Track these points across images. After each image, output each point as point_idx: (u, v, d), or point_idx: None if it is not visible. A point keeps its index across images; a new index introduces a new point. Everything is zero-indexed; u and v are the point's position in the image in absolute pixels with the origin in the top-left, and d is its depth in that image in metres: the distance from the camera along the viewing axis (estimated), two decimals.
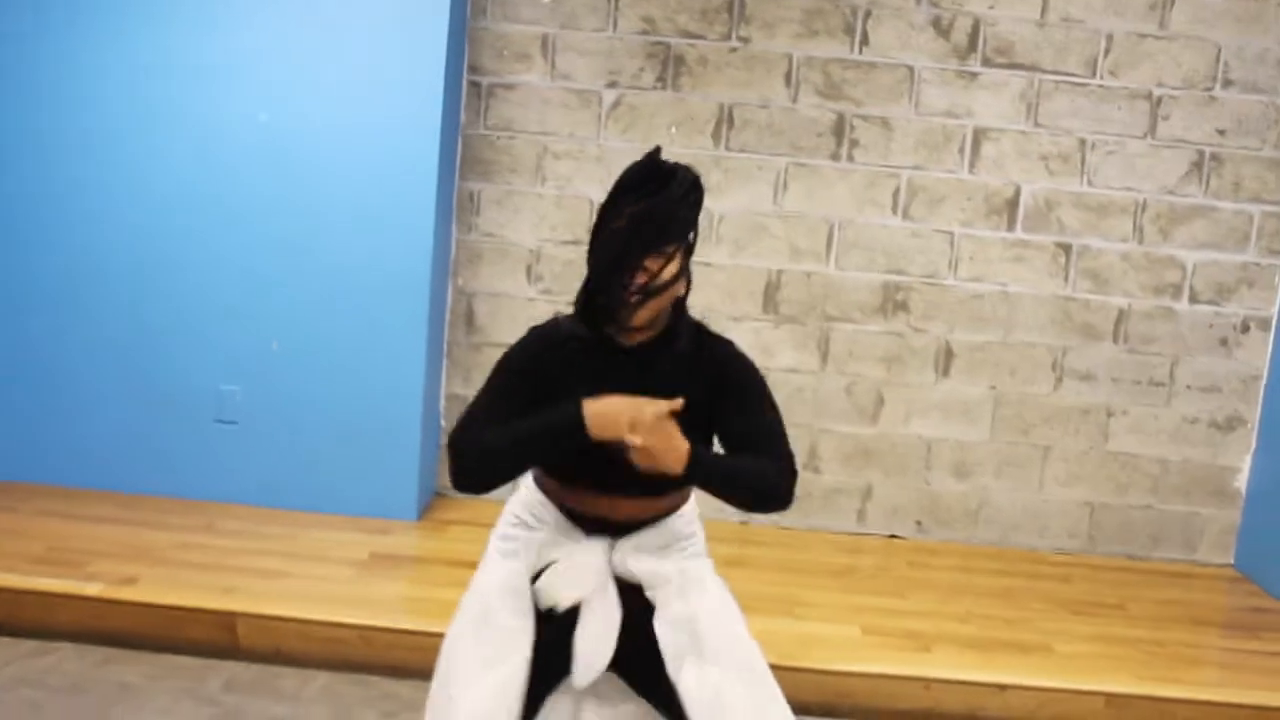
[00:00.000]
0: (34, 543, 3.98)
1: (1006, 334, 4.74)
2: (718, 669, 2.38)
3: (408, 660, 3.55)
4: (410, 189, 4.35)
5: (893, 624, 3.95)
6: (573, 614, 2.41)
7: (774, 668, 2.40)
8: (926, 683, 3.61)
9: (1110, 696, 3.61)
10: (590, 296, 2.42)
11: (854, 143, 4.66)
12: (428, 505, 4.71)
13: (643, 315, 2.37)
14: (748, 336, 4.69)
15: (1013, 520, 4.85)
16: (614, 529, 2.48)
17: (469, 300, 4.76)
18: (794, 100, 4.65)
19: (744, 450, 2.43)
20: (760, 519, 4.54)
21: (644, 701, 2.46)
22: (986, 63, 4.60)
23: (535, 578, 2.46)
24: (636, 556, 2.47)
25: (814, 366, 4.76)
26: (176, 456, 4.51)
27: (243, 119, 4.33)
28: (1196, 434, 4.79)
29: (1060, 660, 3.79)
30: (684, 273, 2.44)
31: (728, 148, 4.66)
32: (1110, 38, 4.58)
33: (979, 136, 4.65)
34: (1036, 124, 4.65)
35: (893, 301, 4.73)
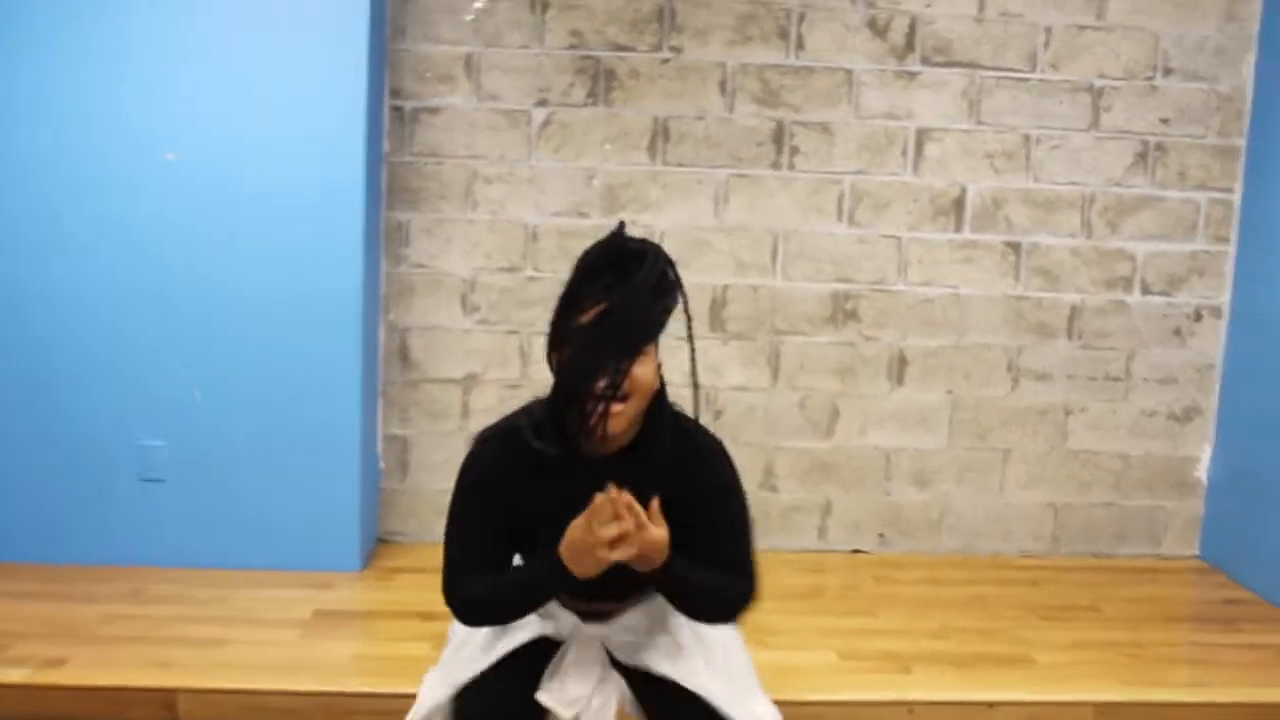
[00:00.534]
0: None
1: (960, 337, 4.63)
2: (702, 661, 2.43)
3: None
4: (336, 222, 4.12)
5: (868, 645, 3.81)
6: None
7: None
8: (910, 706, 3.46)
9: (1099, 706, 3.49)
10: (556, 409, 2.22)
11: (794, 150, 4.52)
12: (371, 553, 4.48)
13: (616, 424, 2.18)
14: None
15: (976, 526, 4.73)
16: (598, 616, 2.44)
17: (403, 335, 4.54)
18: (730, 110, 4.49)
19: (710, 559, 2.32)
20: None
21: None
22: (925, 62, 4.48)
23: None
24: (633, 650, 2.41)
25: (765, 383, 4.61)
26: (100, 520, 4.22)
27: (148, 161, 4.07)
28: (1155, 427, 4.71)
29: (1043, 671, 3.67)
30: (657, 368, 2.27)
31: (665, 162, 4.50)
32: (1049, 31, 4.48)
33: (922, 137, 4.53)
34: (979, 122, 4.54)
35: (842, 311, 4.60)
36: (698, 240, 4.53)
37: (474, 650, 2.51)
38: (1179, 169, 4.59)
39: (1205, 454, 4.73)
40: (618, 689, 2.47)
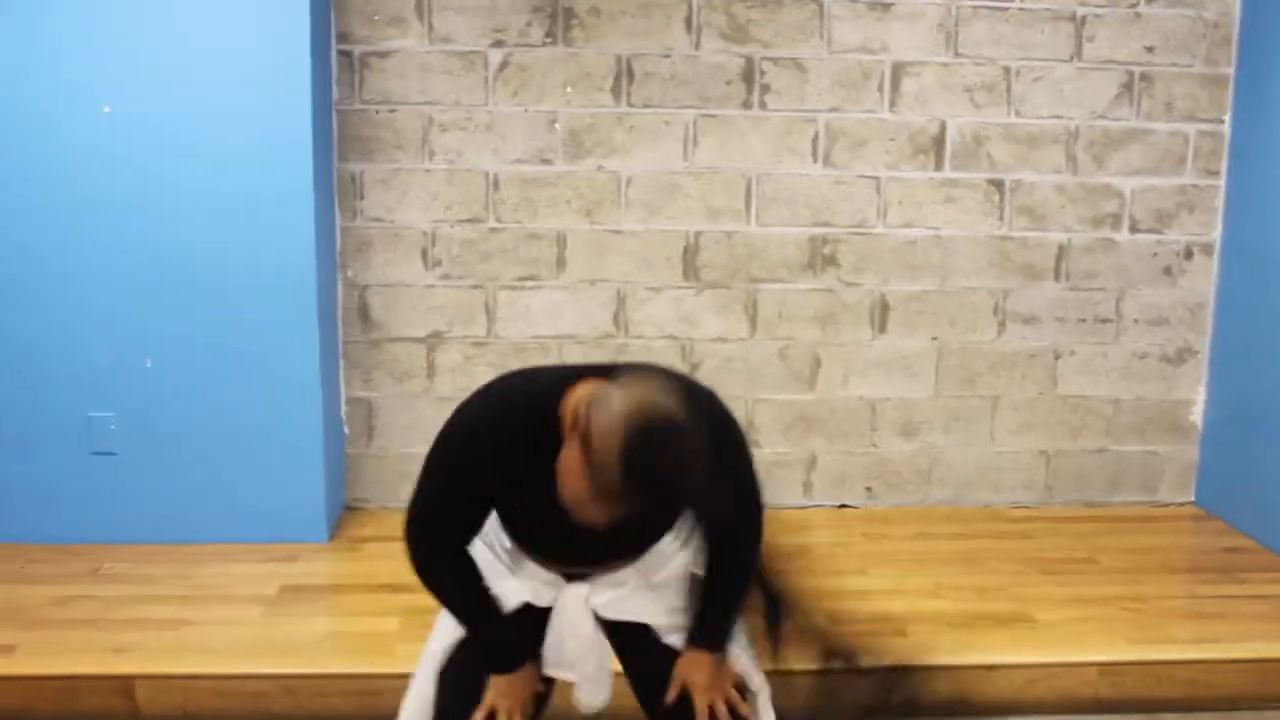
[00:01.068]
0: None
1: (943, 281, 4.45)
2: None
3: (340, 708, 3.17)
4: (284, 175, 3.88)
5: (861, 608, 3.62)
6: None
7: None
8: (908, 672, 3.30)
9: (1103, 666, 3.35)
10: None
11: (765, 88, 4.31)
12: (338, 521, 4.28)
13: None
14: (668, 307, 4.34)
15: (965, 477, 4.58)
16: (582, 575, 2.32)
17: (361, 293, 4.32)
18: (697, 47, 4.27)
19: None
20: None
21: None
22: None
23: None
24: (620, 604, 2.30)
25: (743, 333, 4.42)
26: (50, 496, 4.01)
27: (84, 112, 3.81)
28: (1147, 369, 4.56)
29: (1044, 630, 3.52)
30: None
31: (630, 104, 4.28)
32: None
33: (898, 72, 4.33)
34: (957, 54, 4.34)
35: (821, 256, 4.40)
36: (667, 185, 4.33)
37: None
38: (1166, 100, 4.41)
39: (1199, 396, 4.59)
40: (607, 648, 2.38)
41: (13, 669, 3.20)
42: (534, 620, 2.30)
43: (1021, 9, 4.33)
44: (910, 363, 4.49)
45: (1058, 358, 4.52)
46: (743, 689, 2.34)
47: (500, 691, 2.23)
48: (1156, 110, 4.41)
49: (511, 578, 2.30)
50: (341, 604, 3.73)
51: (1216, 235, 4.48)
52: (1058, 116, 4.39)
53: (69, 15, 3.77)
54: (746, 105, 4.33)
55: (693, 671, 2.28)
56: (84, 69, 3.80)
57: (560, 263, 4.33)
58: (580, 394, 1.92)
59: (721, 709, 2.27)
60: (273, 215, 3.90)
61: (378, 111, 4.23)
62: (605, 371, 2.01)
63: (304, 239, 3.93)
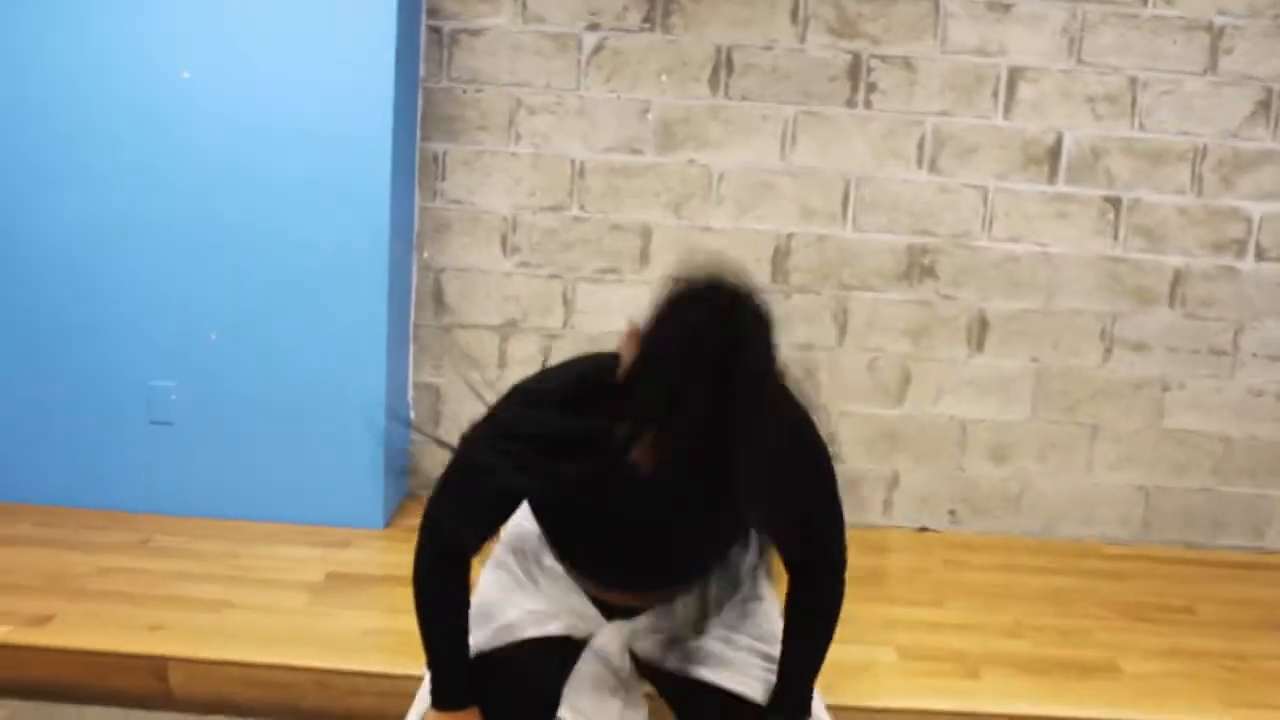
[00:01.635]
0: None
1: (1048, 300, 4.19)
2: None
3: (372, 708, 3.03)
4: (363, 152, 3.76)
5: (933, 643, 3.42)
6: None
7: None
8: (977, 719, 3.09)
9: None
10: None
11: (872, 87, 4.09)
12: (396, 510, 4.16)
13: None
14: None
15: (1057, 508, 4.31)
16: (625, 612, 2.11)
17: (436, 276, 4.19)
18: (802, 40, 4.07)
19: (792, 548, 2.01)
20: None
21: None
22: None
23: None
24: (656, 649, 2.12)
25: (830, 341, 4.21)
26: (105, 464, 3.95)
27: (161, 76, 3.73)
28: (1263, 408, 4.25)
29: (1130, 683, 3.25)
30: None
31: (727, 96, 4.08)
32: None
33: (1015, 77, 4.08)
34: (1080, 61, 4.07)
35: (919, 266, 4.17)
36: (761, 183, 4.13)
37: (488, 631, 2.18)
38: None
39: None
40: (643, 698, 2.18)
41: (47, 639, 3.11)
42: (557, 657, 2.12)
43: (1154, 16, 4.05)
44: (1006, 384, 4.24)
45: (1166, 389, 4.24)
46: None
47: None
48: None
49: (541, 601, 2.13)
50: (387, 597, 3.59)
51: None
52: (1185, 133, 4.11)
53: None
54: (850, 104, 4.11)
55: None
56: (165, 32, 3.72)
57: (644, 257, 4.16)
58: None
59: None
60: (347, 192, 3.78)
61: (465, 91, 4.09)
62: None
63: (378, 217, 3.80)
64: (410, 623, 3.33)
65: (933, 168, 4.13)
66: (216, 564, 3.64)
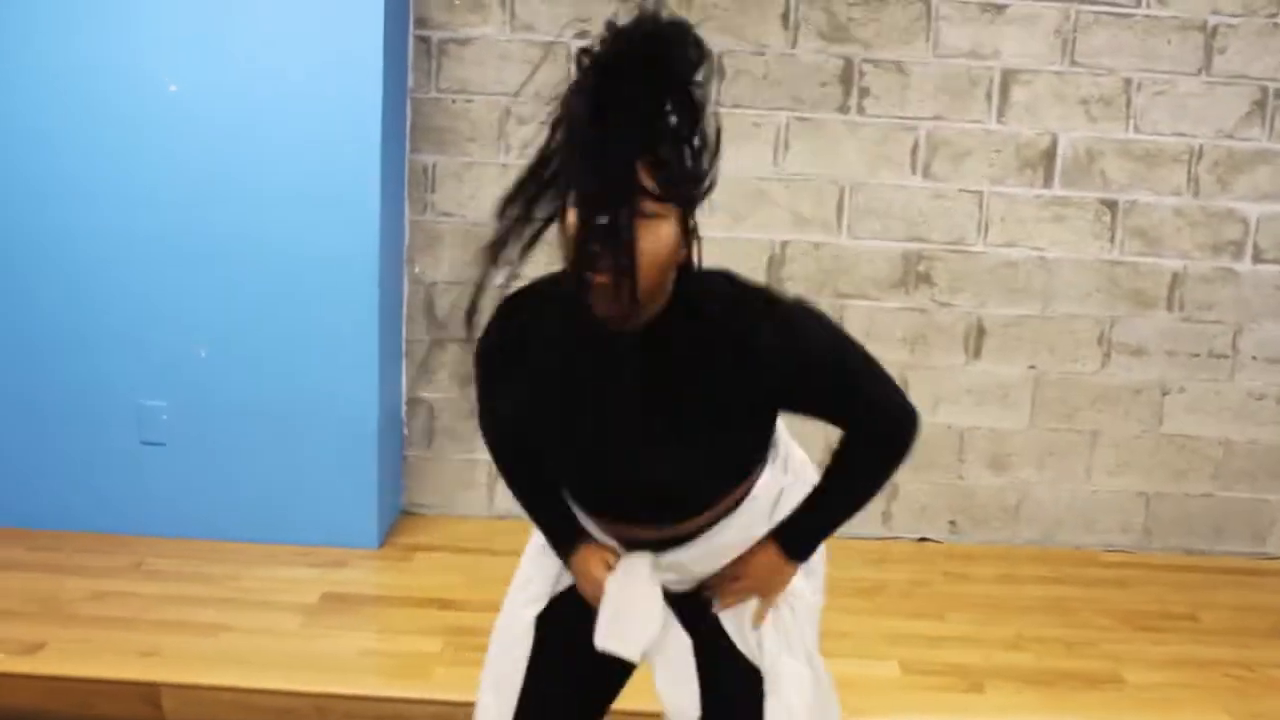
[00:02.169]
0: None
1: (1045, 306, 4.15)
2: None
3: None
4: (351, 163, 3.72)
5: (935, 656, 3.39)
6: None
7: None
8: None
9: None
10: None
11: (864, 92, 4.05)
12: (390, 528, 4.12)
13: (601, 304, 1.64)
14: None
15: (1057, 516, 4.28)
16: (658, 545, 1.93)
17: (428, 290, 4.15)
18: (793, 45, 4.03)
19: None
20: None
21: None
22: None
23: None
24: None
25: None
26: (97, 485, 3.91)
27: (148, 89, 3.69)
28: (1263, 411, 4.21)
29: (1135, 695, 3.23)
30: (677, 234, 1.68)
31: (719, 103, 4.02)
32: None
33: (1008, 80, 4.04)
34: (1074, 63, 4.03)
35: (914, 273, 4.14)
36: (754, 191, 4.09)
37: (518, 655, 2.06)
38: None
39: None
40: (686, 640, 1.98)
41: (36, 668, 3.08)
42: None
43: (1147, 16, 4.02)
44: (1004, 391, 4.21)
45: (1165, 394, 4.20)
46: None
47: (579, 574, 1.97)
48: None
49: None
50: (384, 618, 3.55)
51: None
52: (1180, 134, 4.07)
53: None
54: (843, 109, 4.08)
55: (749, 564, 1.93)
56: (152, 45, 3.68)
57: None
58: None
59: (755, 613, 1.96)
60: (336, 204, 3.74)
61: (454, 101, 4.05)
62: None
63: (368, 231, 3.77)
64: (408, 644, 3.32)
65: (927, 173, 4.10)
66: (210, 586, 3.60)
